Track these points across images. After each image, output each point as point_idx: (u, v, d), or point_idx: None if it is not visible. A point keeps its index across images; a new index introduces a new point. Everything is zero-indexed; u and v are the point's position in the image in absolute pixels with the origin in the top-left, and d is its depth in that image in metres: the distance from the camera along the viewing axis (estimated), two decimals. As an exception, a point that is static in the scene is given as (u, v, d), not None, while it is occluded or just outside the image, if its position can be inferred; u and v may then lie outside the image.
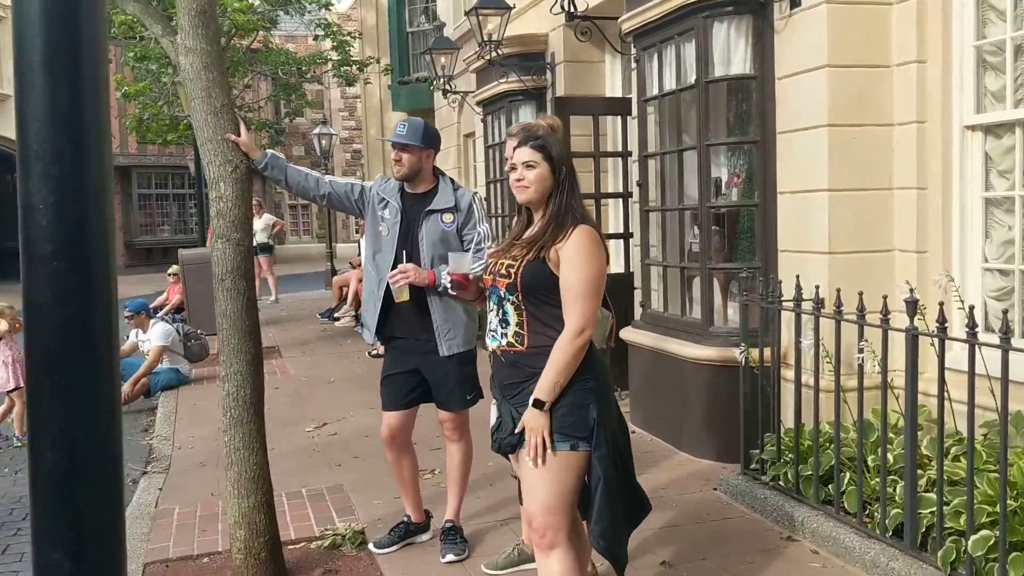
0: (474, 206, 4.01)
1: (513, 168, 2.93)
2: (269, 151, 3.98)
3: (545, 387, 2.72)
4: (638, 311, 6.20)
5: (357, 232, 13.34)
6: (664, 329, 5.75)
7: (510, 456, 2.99)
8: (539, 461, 2.73)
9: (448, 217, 3.96)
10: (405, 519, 4.22)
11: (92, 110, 1.04)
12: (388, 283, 3.84)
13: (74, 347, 1.10)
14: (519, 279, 2.82)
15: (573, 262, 2.77)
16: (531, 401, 2.73)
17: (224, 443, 3.85)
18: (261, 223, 15.24)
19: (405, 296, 3.82)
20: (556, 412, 2.74)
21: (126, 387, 8.09)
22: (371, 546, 4.17)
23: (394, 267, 3.85)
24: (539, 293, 2.82)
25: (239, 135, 3.79)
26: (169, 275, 12.38)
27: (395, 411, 4.05)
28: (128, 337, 8.76)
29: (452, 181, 4.11)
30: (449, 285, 3.25)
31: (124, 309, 8.69)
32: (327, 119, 20.30)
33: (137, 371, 8.20)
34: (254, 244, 14.09)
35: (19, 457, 6.60)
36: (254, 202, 15.64)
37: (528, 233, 2.94)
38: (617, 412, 2.93)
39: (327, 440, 6.36)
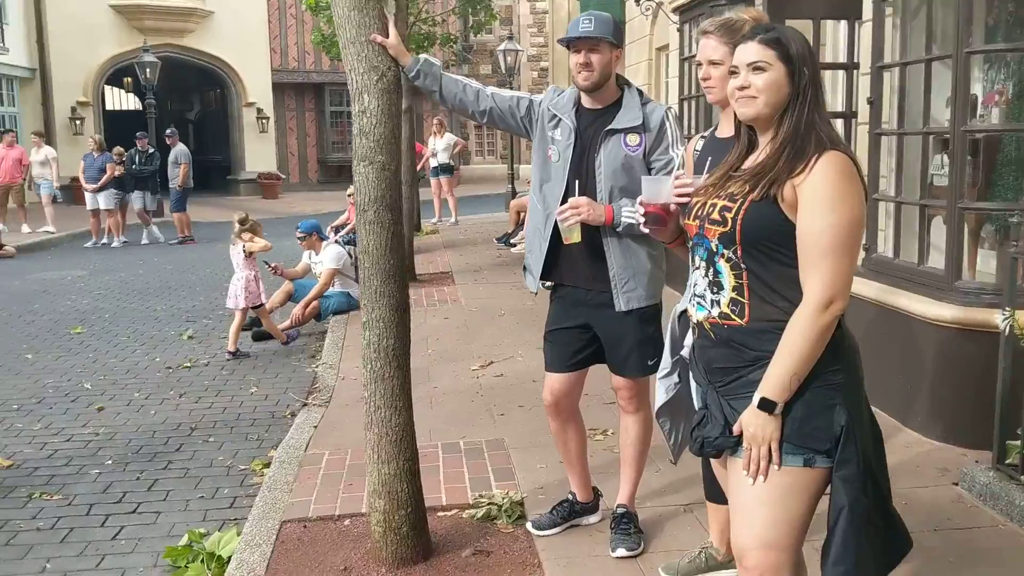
0: (667, 124, 3.20)
1: (732, 74, 2.11)
2: (422, 56, 3.31)
3: (777, 382, 1.98)
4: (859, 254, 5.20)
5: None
6: (893, 279, 4.74)
7: (712, 460, 2.27)
8: (761, 478, 2.01)
9: (633, 138, 3.18)
10: (570, 496, 3.59)
11: None
12: (556, 220, 3.13)
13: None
14: (739, 227, 2.04)
15: (819, 203, 1.96)
16: (756, 400, 2.00)
17: (364, 399, 3.32)
18: (443, 143, 14.90)
19: (576, 237, 3.10)
20: (788, 414, 2.00)
21: (297, 310, 7.92)
22: (529, 525, 3.57)
23: (564, 201, 3.13)
24: (767, 247, 2.04)
25: (387, 35, 3.15)
26: (348, 195, 12.21)
27: (560, 373, 3.37)
28: (301, 259, 8.57)
29: (640, 93, 3.30)
30: (642, 220, 2.38)
31: (296, 230, 8.48)
32: (514, 35, 19.62)
33: (309, 294, 8.00)
34: (435, 165, 13.78)
35: (186, 379, 6.50)
36: (435, 121, 15.45)
37: (751, 162, 2.14)
38: (869, 414, 2.13)
39: (491, 382, 5.82)
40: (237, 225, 7.38)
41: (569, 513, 3.55)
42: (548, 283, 3.39)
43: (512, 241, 11.83)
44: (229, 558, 3.52)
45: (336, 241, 8.95)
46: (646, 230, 2.39)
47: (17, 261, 13.08)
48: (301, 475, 4.28)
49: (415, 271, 9.78)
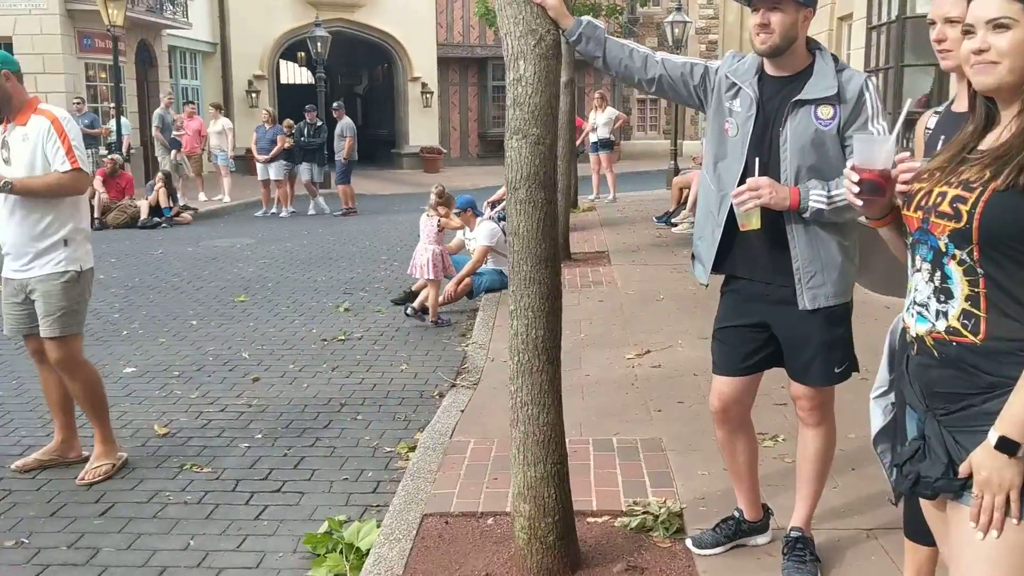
0: (867, 95, 2.75)
1: (966, 34, 1.69)
2: (585, 18, 2.97)
3: (1021, 418, 1.59)
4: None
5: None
6: None
7: (923, 501, 1.86)
8: (994, 533, 1.62)
9: (826, 111, 2.74)
10: (736, 513, 3.21)
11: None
12: (732, 203, 2.75)
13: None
14: (977, 222, 1.63)
15: None
16: (994, 438, 1.61)
17: (510, 394, 3.06)
18: (604, 117, 14.52)
19: (755, 223, 2.70)
20: None
21: (449, 287, 7.79)
22: (689, 542, 3.22)
23: (742, 181, 2.73)
24: (1014, 248, 1.63)
25: (547, -5, 2.83)
26: (507, 169, 12.06)
27: (730, 376, 2.99)
28: (456, 235, 8.45)
29: (835, 59, 2.86)
30: (856, 189, 1.89)
31: (452, 205, 8.35)
32: (682, 6, 18.89)
33: (462, 270, 7.86)
34: (595, 139, 13.33)
35: (340, 352, 6.48)
36: (596, 95, 15.08)
37: (990, 141, 1.71)
38: None
39: (648, 373, 5.47)
40: (435, 198, 7.40)
41: (735, 531, 3.17)
42: (720, 274, 3.01)
43: (673, 221, 11.34)
44: (368, 551, 3.37)
45: (491, 217, 8.77)
46: (859, 202, 1.93)
47: (193, 228, 13.70)
48: (445, 464, 4.09)
49: (570, 250, 9.50)
